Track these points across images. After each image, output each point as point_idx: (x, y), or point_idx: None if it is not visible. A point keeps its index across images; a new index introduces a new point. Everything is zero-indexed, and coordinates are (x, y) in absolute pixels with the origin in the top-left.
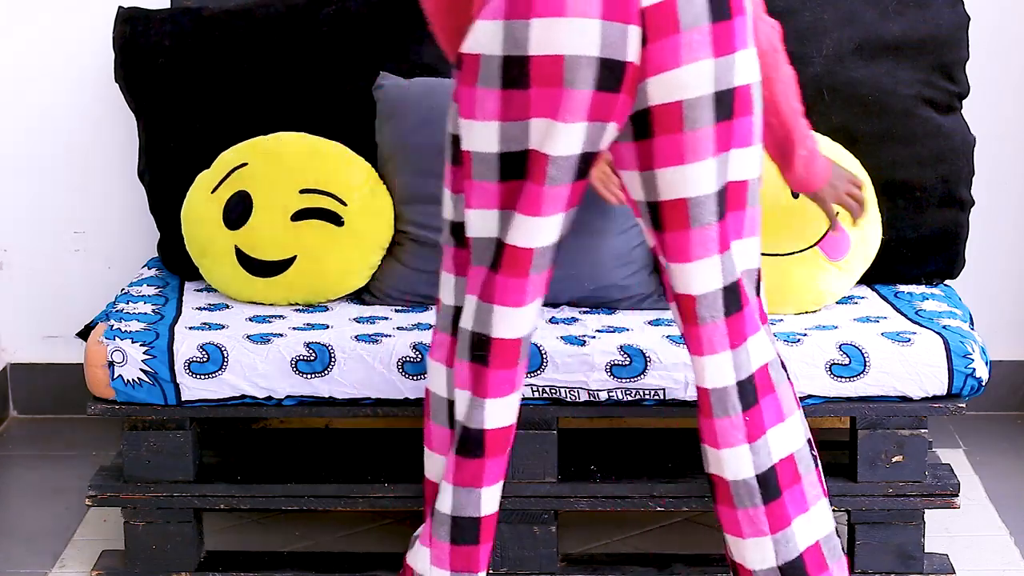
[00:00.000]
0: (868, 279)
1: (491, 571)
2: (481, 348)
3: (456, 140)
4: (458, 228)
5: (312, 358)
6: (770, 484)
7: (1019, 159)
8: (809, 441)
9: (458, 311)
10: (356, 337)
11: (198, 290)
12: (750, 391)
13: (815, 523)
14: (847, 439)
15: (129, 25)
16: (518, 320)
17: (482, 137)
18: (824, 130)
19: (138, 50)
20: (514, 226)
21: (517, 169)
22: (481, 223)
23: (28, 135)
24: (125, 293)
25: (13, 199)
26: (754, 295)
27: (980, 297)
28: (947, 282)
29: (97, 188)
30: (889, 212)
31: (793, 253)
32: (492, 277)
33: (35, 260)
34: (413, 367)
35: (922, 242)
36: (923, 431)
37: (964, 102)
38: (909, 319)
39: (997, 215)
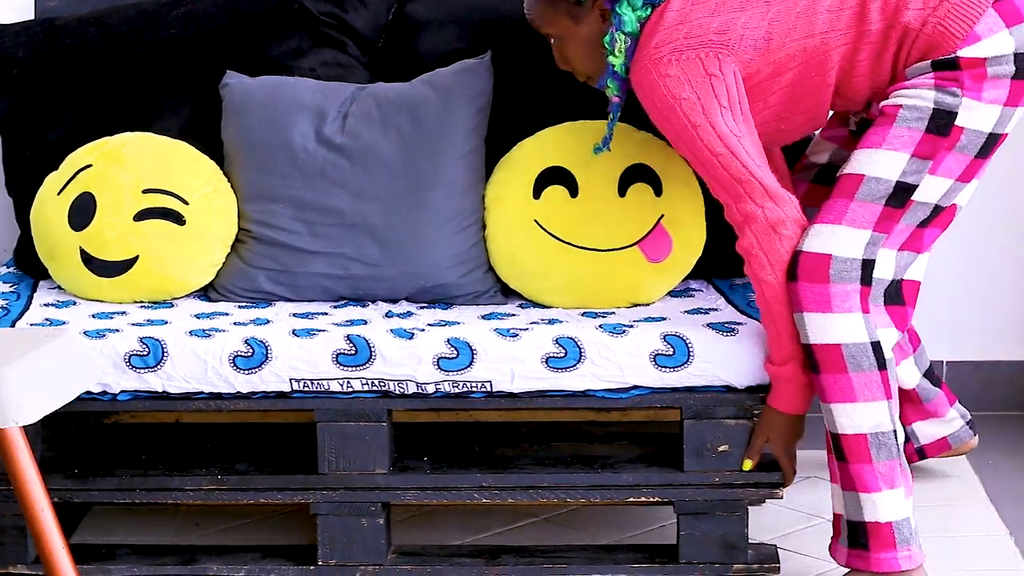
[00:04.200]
0: (707, 272)
1: (319, 562)
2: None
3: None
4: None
5: (145, 353)
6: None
7: None
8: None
9: None
10: (190, 332)
11: (51, 288)
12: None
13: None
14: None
15: None
16: None
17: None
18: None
19: None
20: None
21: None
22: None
23: None
24: None
25: None
26: None
27: (979, 298)
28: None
29: None
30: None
31: (612, 250)
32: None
33: None
34: (244, 361)
35: None
36: (747, 421)
37: None
38: (739, 310)
39: (993, 216)
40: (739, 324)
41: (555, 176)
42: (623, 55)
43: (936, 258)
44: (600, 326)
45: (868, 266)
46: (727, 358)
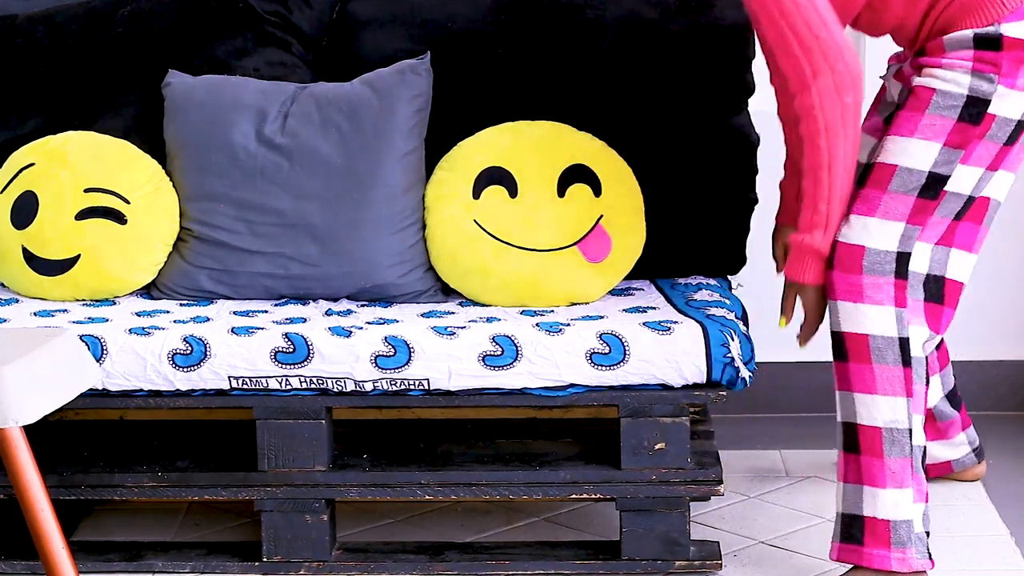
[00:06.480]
0: (650, 273)
1: (264, 559)
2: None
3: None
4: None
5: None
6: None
7: None
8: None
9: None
10: (129, 330)
11: None
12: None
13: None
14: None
15: None
16: None
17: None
18: (608, 130)
19: None
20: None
21: None
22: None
23: None
24: None
25: None
26: None
27: (979, 298)
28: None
29: None
30: (675, 209)
31: (552, 250)
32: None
33: None
34: (183, 359)
35: (705, 239)
36: (684, 419)
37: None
38: (678, 309)
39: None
40: (675, 323)
41: (495, 176)
42: None
43: None
44: (537, 324)
45: (903, 259)
46: (663, 356)
